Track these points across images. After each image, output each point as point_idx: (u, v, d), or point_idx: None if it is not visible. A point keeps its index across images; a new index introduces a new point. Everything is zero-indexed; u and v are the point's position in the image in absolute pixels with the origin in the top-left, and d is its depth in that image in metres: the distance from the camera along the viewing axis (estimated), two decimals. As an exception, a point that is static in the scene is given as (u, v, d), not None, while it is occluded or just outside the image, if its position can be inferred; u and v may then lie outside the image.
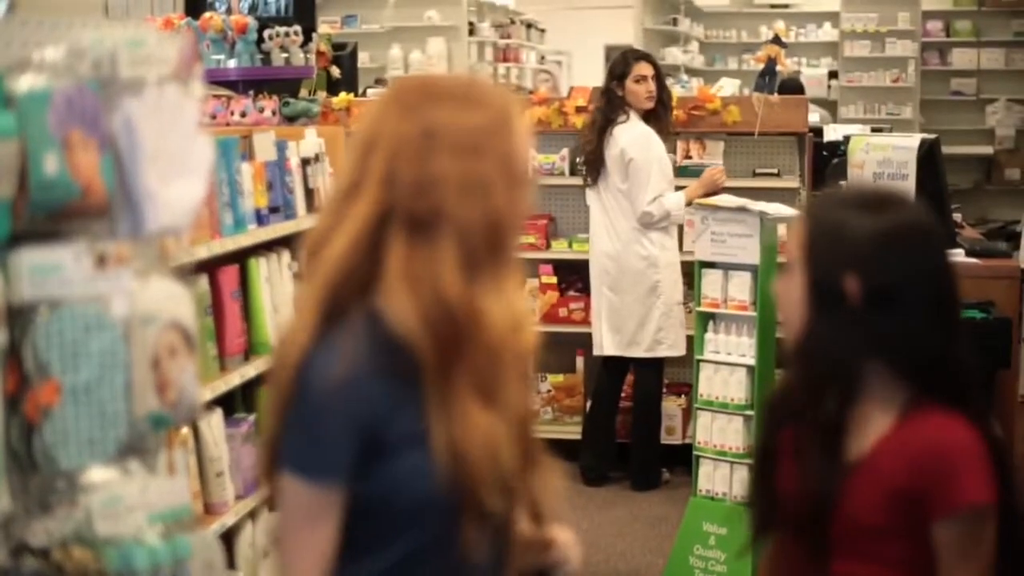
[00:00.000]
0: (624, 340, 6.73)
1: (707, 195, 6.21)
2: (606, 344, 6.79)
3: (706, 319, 5.51)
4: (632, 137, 6.62)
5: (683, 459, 6.63)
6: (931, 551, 2.13)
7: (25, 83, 2.00)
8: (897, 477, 2.13)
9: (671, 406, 7.10)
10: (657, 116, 6.73)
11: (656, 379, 6.86)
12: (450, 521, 2.04)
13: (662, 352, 6.69)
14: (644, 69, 6.70)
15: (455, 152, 2.02)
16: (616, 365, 6.86)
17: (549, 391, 7.18)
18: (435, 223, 2.01)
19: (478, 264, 2.02)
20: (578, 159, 7.04)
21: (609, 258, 6.74)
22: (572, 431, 7.03)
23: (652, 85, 6.67)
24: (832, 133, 6.59)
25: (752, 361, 5.32)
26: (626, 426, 7.01)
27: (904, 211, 2.20)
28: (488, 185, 2.02)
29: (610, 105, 6.69)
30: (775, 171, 7.16)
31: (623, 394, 7.03)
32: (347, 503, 2.07)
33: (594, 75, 12.94)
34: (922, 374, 2.17)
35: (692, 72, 14.63)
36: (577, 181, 6.98)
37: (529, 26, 14.66)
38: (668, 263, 6.68)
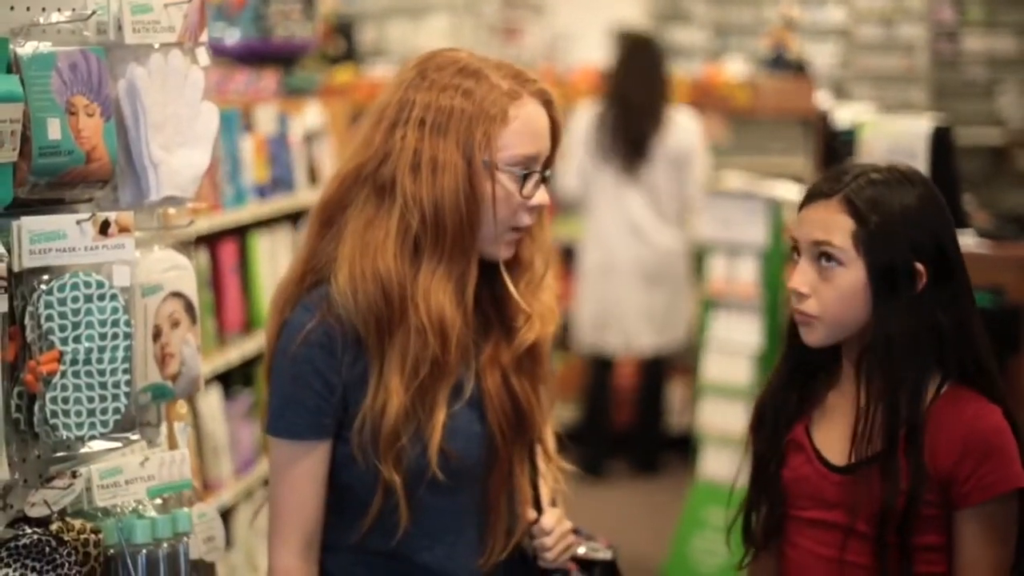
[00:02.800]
0: (667, 336, 6.61)
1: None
2: (647, 344, 6.60)
3: (711, 303, 5.48)
4: (695, 126, 6.55)
5: (677, 445, 6.61)
6: (949, 538, 2.09)
7: (29, 47, 1.96)
8: (939, 462, 2.07)
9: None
10: None
11: (665, 366, 6.82)
12: (376, 489, 2.08)
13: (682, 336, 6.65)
14: None
15: (419, 127, 2.05)
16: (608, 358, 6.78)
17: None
18: (391, 194, 2.06)
19: (421, 246, 2.05)
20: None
21: (655, 253, 6.51)
22: (567, 419, 6.94)
23: None
24: (840, 116, 6.54)
25: (758, 344, 5.28)
26: (625, 414, 6.98)
27: (927, 184, 2.16)
28: (441, 166, 2.03)
29: (666, 88, 6.53)
30: (782, 153, 7.13)
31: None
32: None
33: (598, 55, 12.87)
34: (957, 356, 2.12)
35: (699, 53, 14.56)
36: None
37: (532, 5, 14.59)
38: None
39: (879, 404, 2.09)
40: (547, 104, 2.12)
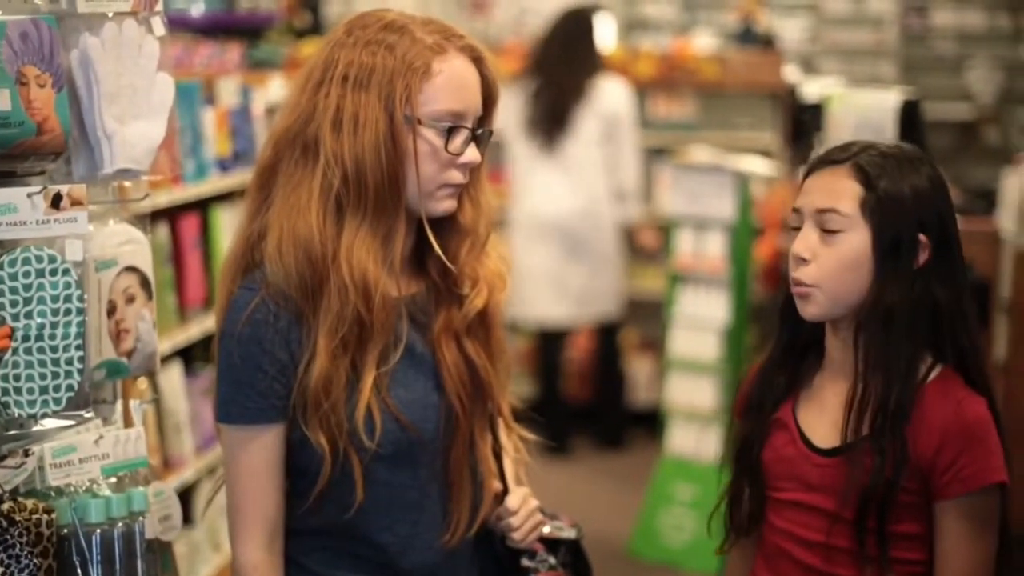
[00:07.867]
0: (584, 309, 6.55)
1: None
2: (563, 316, 6.55)
3: (678, 277, 5.46)
4: (624, 94, 6.47)
5: (644, 421, 6.60)
6: (929, 529, 2.06)
7: (-23, 15, 1.92)
8: (920, 449, 2.03)
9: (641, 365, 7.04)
10: None
11: (616, 337, 6.81)
12: (323, 463, 2.02)
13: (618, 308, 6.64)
14: None
15: (342, 84, 2.01)
16: (556, 331, 6.75)
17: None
18: (315, 153, 2.01)
19: (344, 204, 2.01)
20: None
21: (580, 222, 6.44)
22: (525, 394, 6.90)
23: None
24: (808, 90, 6.52)
25: (725, 319, 5.27)
26: (585, 388, 6.96)
27: (935, 166, 2.12)
28: (362, 122, 1.99)
29: (592, 59, 6.44)
30: (750, 128, 7.11)
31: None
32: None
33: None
34: (950, 337, 2.08)
35: (667, 27, 14.52)
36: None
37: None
38: None
39: (873, 382, 2.05)
40: (476, 60, 2.07)
